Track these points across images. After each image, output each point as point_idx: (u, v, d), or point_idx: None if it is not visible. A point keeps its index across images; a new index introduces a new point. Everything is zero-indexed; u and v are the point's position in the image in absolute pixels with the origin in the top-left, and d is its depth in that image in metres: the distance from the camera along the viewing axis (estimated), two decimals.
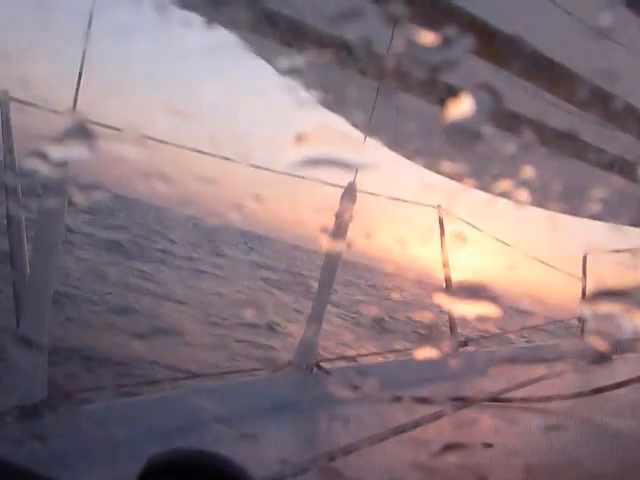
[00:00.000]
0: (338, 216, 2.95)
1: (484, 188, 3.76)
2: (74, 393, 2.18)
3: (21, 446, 1.71)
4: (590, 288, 5.41)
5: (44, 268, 1.98)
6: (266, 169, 2.79)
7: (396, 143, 3.78)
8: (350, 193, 2.93)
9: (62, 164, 1.69)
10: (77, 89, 1.91)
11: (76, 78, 1.92)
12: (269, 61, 3.04)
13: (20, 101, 2.07)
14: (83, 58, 1.92)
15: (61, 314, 7.47)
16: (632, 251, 5.31)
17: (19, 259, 2.08)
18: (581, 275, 5.41)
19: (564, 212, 4.60)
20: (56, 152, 1.35)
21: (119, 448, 1.84)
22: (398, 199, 3.45)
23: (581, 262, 5.40)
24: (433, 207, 3.93)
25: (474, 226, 4.13)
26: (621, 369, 3.08)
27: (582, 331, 5.38)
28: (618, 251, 5.37)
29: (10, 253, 2.08)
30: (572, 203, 4.15)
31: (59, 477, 0.49)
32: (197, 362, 7.02)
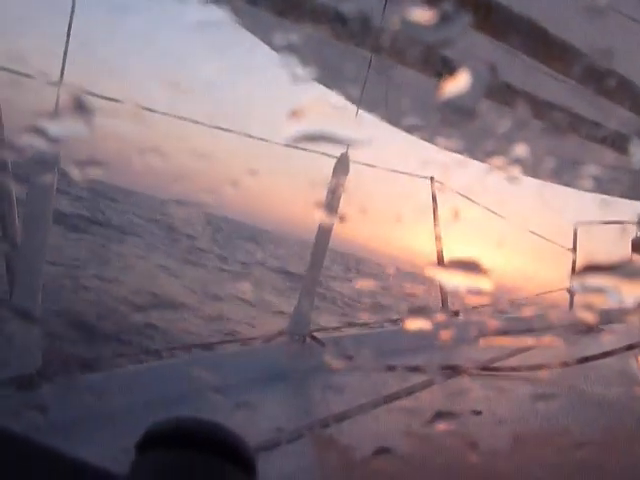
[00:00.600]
0: (330, 187, 2.96)
1: (480, 159, 3.77)
2: (70, 363, 2.20)
3: (17, 416, 1.73)
4: (580, 260, 5.46)
5: (35, 240, 1.98)
6: (261, 139, 2.78)
7: (392, 117, 3.77)
8: (343, 164, 2.93)
9: (54, 139, 1.68)
10: (63, 62, 1.89)
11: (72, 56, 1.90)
12: (263, 38, 3.00)
13: (11, 71, 2.03)
14: (69, 31, 1.90)
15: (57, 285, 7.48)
16: (622, 223, 5.36)
17: (10, 231, 2.08)
18: (572, 247, 5.46)
19: (558, 183, 4.62)
20: (50, 127, 1.34)
21: (116, 417, 1.86)
22: (391, 170, 3.45)
23: (572, 234, 5.44)
24: (426, 178, 3.93)
25: (468, 198, 4.15)
26: (608, 339, 3.13)
27: (571, 302, 5.46)
28: (608, 223, 5.41)
29: (1, 226, 2.07)
30: (565, 174, 4.16)
31: (56, 447, 0.51)
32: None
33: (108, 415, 1.88)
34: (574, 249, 5.49)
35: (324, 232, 3.10)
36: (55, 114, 1.76)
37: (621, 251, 5.30)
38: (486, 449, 1.84)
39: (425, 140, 3.91)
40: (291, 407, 2.60)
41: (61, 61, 1.90)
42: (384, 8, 1.83)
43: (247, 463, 0.57)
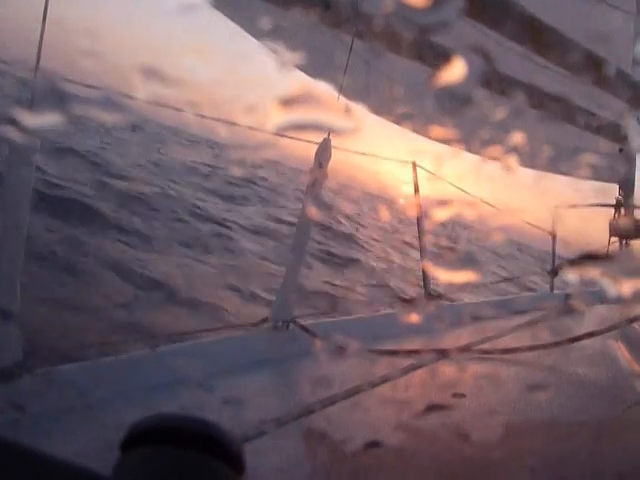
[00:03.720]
0: (312, 172, 2.94)
1: (472, 151, 3.79)
2: (51, 354, 2.16)
3: None
4: (560, 243, 5.53)
5: (12, 233, 1.94)
6: (247, 127, 2.73)
7: (382, 108, 3.75)
8: (324, 149, 2.91)
9: (30, 130, 1.63)
10: (39, 47, 1.84)
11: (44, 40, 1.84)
12: (245, 25, 2.95)
13: None
14: (45, 15, 1.84)
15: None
16: (600, 206, 5.43)
17: None
18: (552, 229, 5.52)
19: (550, 172, 4.66)
20: (25, 117, 1.29)
21: (98, 411, 1.84)
22: (373, 155, 3.43)
23: (552, 216, 5.50)
24: (408, 163, 3.92)
25: (452, 184, 4.15)
26: (590, 320, 3.17)
27: (552, 284, 5.53)
28: (587, 206, 5.48)
29: None
30: (558, 163, 4.20)
31: (36, 445, 0.49)
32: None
33: (89, 409, 1.85)
34: (553, 231, 5.55)
35: (306, 217, 3.08)
36: (31, 104, 1.71)
37: (600, 234, 5.39)
38: (475, 434, 1.85)
39: (416, 132, 3.91)
40: (274, 394, 2.60)
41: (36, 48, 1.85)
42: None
43: (235, 458, 0.56)
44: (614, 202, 5.27)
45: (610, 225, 5.27)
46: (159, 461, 0.53)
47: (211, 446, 0.54)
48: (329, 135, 2.86)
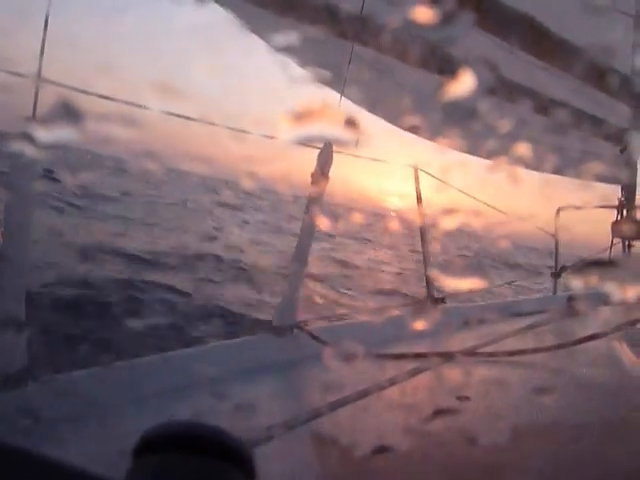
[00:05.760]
0: (314, 177, 2.95)
1: (480, 155, 3.80)
2: (57, 360, 2.16)
3: (3, 419, 1.70)
4: (563, 244, 5.53)
5: (17, 241, 1.94)
6: (243, 131, 2.74)
7: (393, 116, 3.77)
8: (326, 153, 2.91)
9: (38, 145, 1.64)
10: (41, 56, 1.85)
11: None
12: (264, 37, 2.97)
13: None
14: (46, 23, 1.85)
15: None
16: (603, 207, 5.43)
17: None
18: (555, 231, 5.52)
19: (552, 173, 4.66)
20: (35, 132, 1.29)
21: (109, 418, 1.84)
22: (375, 160, 3.43)
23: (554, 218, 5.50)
24: (410, 167, 3.93)
25: (454, 187, 4.15)
26: (594, 322, 3.17)
27: (555, 286, 5.52)
28: (594, 207, 5.48)
29: None
30: (559, 164, 4.21)
31: (47, 454, 0.49)
32: None
33: (99, 415, 1.85)
34: (556, 234, 5.55)
35: (309, 222, 3.09)
36: (39, 118, 1.72)
37: (603, 235, 5.38)
38: (481, 437, 1.84)
39: (425, 138, 3.92)
40: (283, 400, 2.60)
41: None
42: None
43: (246, 465, 0.56)
44: (616, 203, 5.27)
45: (612, 226, 5.27)
46: (171, 468, 0.53)
47: (223, 453, 0.55)
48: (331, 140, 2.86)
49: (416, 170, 3.95)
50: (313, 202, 3.02)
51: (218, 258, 12.43)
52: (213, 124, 2.45)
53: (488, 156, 3.69)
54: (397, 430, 1.95)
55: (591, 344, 2.72)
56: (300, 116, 0.99)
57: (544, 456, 1.70)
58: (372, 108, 3.47)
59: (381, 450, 1.68)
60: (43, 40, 1.87)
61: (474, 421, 2.05)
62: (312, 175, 2.94)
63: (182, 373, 2.30)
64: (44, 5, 1.79)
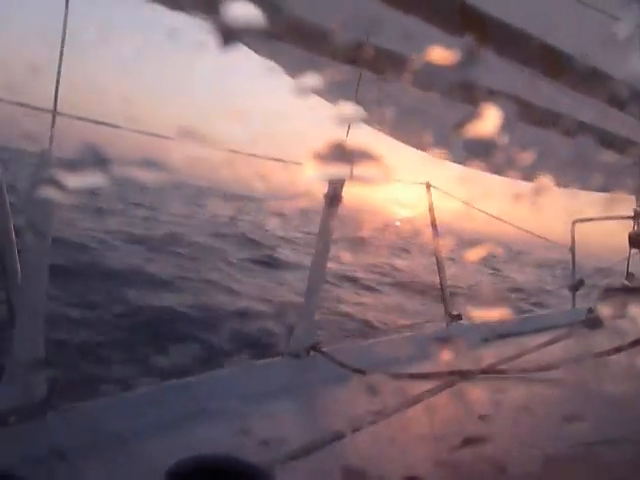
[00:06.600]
0: (327, 197, 2.95)
1: (498, 172, 3.81)
2: (76, 390, 2.17)
3: (23, 450, 1.70)
4: (579, 255, 5.47)
5: (35, 278, 1.96)
6: (249, 154, 2.76)
7: (413, 140, 3.79)
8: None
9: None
10: (56, 90, 1.89)
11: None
12: (294, 76, 2.99)
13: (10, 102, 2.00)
14: (60, 61, 1.89)
15: None
16: (618, 218, 5.38)
17: (10, 270, 2.06)
18: (571, 243, 5.46)
19: (568, 187, 4.63)
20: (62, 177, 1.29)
21: (130, 446, 1.83)
22: (389, 180, 3.43)
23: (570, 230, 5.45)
24: (422, 184, 3.93)
25: (467, 203, 4.14)
26: (615, 334, 3.12)
27: (574, 299, 5.45)
28: (605, 219, 5.43)
29: (1, 265, 2.06)
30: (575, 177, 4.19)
31: None
32: None
33: (119, 444, 1.84)
34: (572, 246, 5.50)
35: (324, 242, 3.08)
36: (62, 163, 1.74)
37: (619, 246, 5.32)
38: (505, 456, 1.81)
39: (443, 159, 3.93)
40: (302, 423, 2.57)
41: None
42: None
43: None
44: (632, 214, 5.22)
45: (630, 237, 5.21)
46: None
47: None
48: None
49: (428, 187, 3.95)
50: (326, 224, 3.02)
51: None
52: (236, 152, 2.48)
53: (505, 172, 3.67)
54: (418, 450, 1.92)
55: (616, 357, 2.67)
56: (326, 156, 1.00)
57: (569, 465, 1.67)
58: (401, 138, 3.51)
59: (405, 474, 1.65)
60: (58, 73, 1.91)
61: (498, 441, 2.01)
62: (325, 196, 2.95)
63: (200, 398, 2.29)
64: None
